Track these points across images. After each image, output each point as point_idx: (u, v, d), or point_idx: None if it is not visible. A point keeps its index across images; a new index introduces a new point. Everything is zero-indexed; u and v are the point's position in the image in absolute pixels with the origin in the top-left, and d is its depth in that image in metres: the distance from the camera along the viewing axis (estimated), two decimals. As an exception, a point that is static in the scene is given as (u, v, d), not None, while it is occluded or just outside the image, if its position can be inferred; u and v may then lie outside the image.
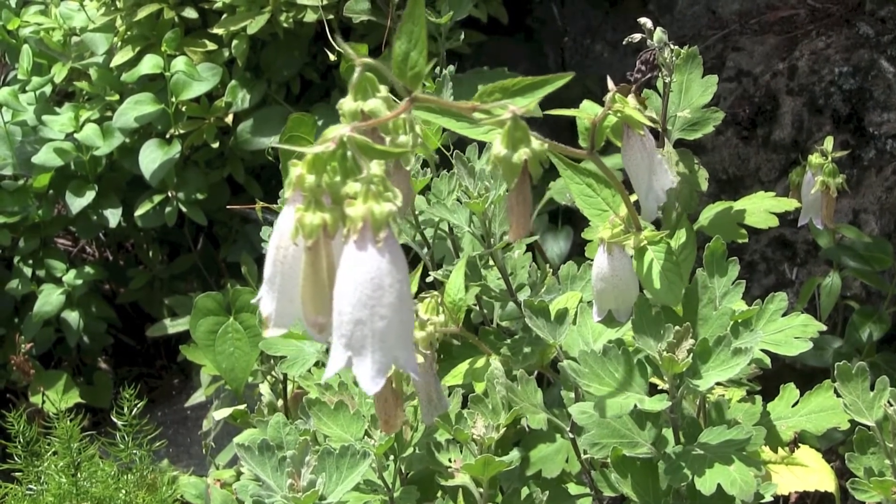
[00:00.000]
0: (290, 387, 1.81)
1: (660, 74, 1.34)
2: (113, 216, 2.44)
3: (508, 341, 1.42)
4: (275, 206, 1.55)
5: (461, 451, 1.32)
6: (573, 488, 1.40)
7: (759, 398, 1.28)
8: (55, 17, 2.52)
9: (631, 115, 1.14)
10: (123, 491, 1.66)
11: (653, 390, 1.14)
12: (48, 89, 2.48)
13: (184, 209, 2.42)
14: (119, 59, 2.38)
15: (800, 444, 1.49)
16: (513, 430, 1.39)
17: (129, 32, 2.40)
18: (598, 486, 1.27)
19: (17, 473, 1.73)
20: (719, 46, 2.22)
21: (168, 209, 2.41)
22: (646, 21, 1.32)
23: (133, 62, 2.37)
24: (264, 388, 1.83)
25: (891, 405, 1.14)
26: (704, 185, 1.35)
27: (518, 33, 2.64)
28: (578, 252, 2.24)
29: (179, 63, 2.29)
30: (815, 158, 1.68)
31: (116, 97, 2.43)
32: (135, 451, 1.74)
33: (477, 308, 1.61)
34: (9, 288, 2.45)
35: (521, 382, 1.27)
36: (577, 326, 1.23)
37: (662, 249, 1.13)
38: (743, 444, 1.11)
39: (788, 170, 1.92)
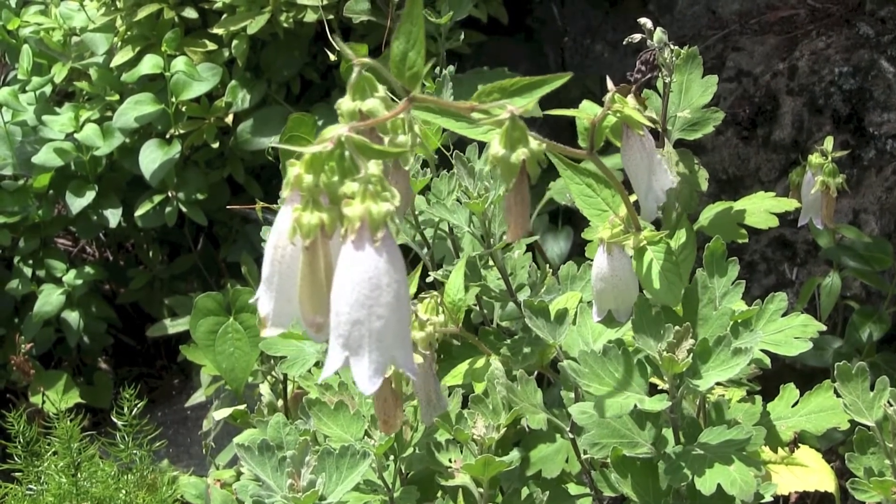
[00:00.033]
0: (290, 387, 1.81)
1: (660, 74, 1.34)
2: (113, 216, 2.44)
3: (508, 341, 1.42)
4: (275, 206, 1.55)
5: (461, 452, 1.32)
6: (573, 488, 1.40)
7: (759, 398, 1.28)
8: (55, 17, 2.52)
9: (630, 115, 1.14)
10: (123, 491, 1.66)
11: (653, 390, 1.14)
12: (48, 89, 2.48)
13: (184, 209, 2.42)
14: (119, 59, 2.38)
15: (800, 444, 1.49)
16: (513, 430, 1.39)
17: (129, 32, 2.40)
18: (598, 486, 1.27)
19: (17, 473, 1.73)
20: (719, 46, 2.22)
21: (168, 209, 2.41)
22: (646, 21, 1.32)
23: (133, 62, 2.37)
24: (264, 389, 1.83)
25: (891, 405, 1.14)
26: (704, 186, 1.35)
27: (518, 33, 2.64)
28: (579, 252, 2.24)
29: (179, 63, 2.30)
30: (815, 158, 1.68)
31: (116, 97, 2.43)
32: (135, 452, 1.74)
33: (477, 308, 1.61)
34: (9, 288, 2.45)
35: (520, 382, 1.27)
36: (576, 326, 1.23)
37: (662, 249, 1.13)
38: (743, 444, 1.11)
39: (788, 170, 1.92)
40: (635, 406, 1.09)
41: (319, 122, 2.18)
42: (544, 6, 2.62)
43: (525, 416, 1.27)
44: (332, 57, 2.18)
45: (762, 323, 1.21)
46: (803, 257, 2.04)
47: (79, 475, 1.65)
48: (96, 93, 2.45)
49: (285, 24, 2.29)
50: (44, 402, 2.30)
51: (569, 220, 2.31)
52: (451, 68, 1.64)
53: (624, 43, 1.35)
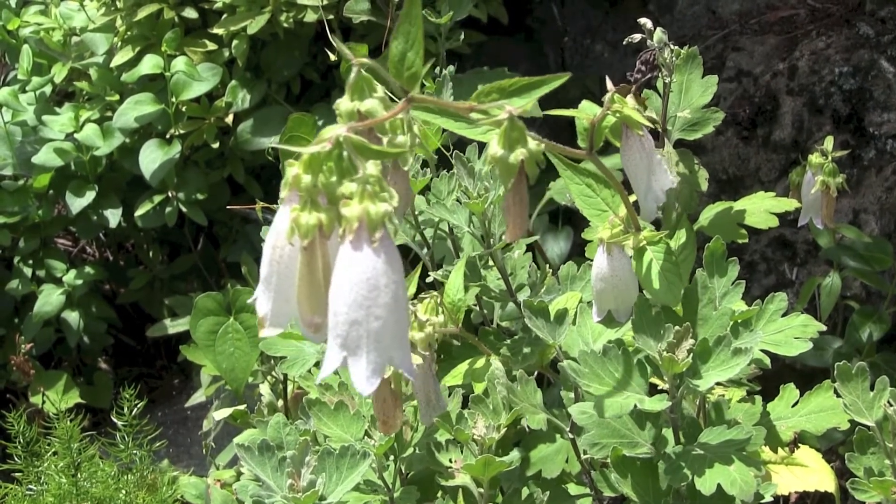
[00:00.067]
0: (290, 387, 1.81)
1: (660, 75, 1.34)
2: (113, 216, 2.44)
3: (508, 341, 1.42)
4: (275, 206, 1.54)
5: (461, 452, 1.32)
6: (573, 488, 1.40)
7: (759, 398, 1.28)
8: (55, 17, 2.52)
9: (629, 115, 1.14)
10: (124, 491, 1.66)
11: (653, 390, 1.14)
12: (48, 89, 2.48)
13: (184, 209, 2.42)
14: (119, 59, 2.38)
15: (800, 444, 1.49)
16: (513, 430, 1.39)
17: (129, 32, 2.40)
18: (598, 487, 1.27)
19: (17, 474, 1.73)
20: (719, 46, 2.22)
21: (168, 209, 2.41)
22: (646, 21, 1.32)
23: (133, 62, 2.37)
24: (264, 389, 1.83)
25: (891, 405, 1.14)
26: (704, 186, 1.35)
27: (518, 33, 2.64)
28: (579, 252, 2.24)
29: (179, 63, 2.30)
30: (815, 158, 1.68)
31: (116, 97, 2.43)
32: (135, 452, 1.74)
33: (477, 308, 1.61)
34: (9, 288, 2.45)
35: (520, 383, 1.27)
36: (576, 327, 1.23)
37: (661, 250, 1.13)
38: (743, 444, 1.11)
39: (788, 170, 1.92)
40: (635, 406, 1.09)
41: (319, 122, 2.18)
42: (544, 6, 2.62)
43: (525, 416, 1.27)
44: (333, 57, 2.18)
45: (762, 323, 1.21)
46: (803, 257, 2.04)
47: (79, 475, 1.65)
48: (96, 93, 2.45)
49: (285, 24, 2.29)
50: (44, 402, 2.30)
51: (569, 220, 2.31)
52: (451, 68, 1.64)
53: (624, 43, 1.35)
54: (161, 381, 2.74)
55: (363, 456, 1.19)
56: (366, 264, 0.74)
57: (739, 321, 1.17)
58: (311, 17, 2.28)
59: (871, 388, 1.16)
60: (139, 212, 2.41)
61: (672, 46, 1.32)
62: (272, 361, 1.83)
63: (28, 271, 2.47)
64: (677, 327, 1.10)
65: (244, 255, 2.40)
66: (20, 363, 2.17)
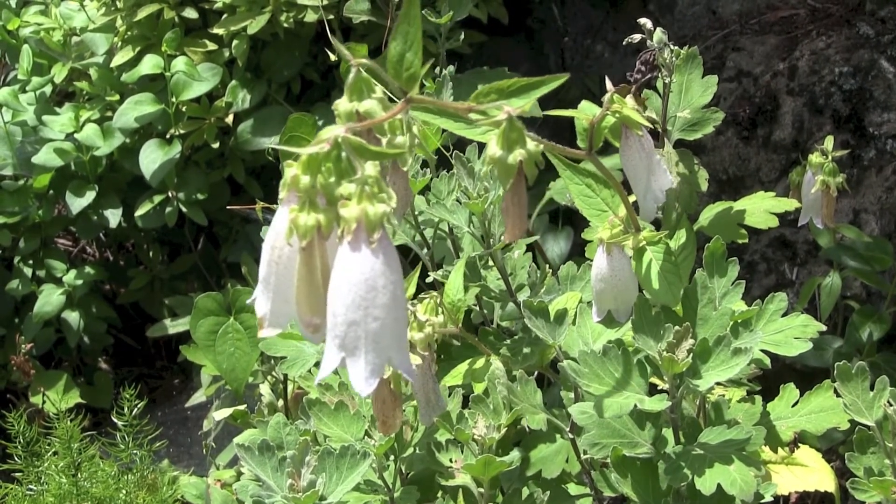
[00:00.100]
0: (290, 387, 1.81)
1: (660, 75, 1.34)
2: (113, 216, 2.44)
3: (508, 342, 1.42)
4: (275, 206, 1.54)
5: (462, 452, 1.32)
6: (573, 488, 1.40)
7: (759, 398, 1.28)
8: (55, 17, 2.52)
9: (629, 115, 1.14)
10: (124, 491, 1.66)
11: (653, 390, 1.14)
12: (48, 89, 2.48)
13: (184, 209, 2.42)
14: (119, 59, 2.38)
15: (800, 444, 1.49)
16: (513, 430, 1.39)
17: (129, 32, 2.40)
18: (598, 487, 1.27)
19: (17, 474, 1.73)
20: (719, 47, 2.22)
21: (168, 209, 2.41)
22: (646, 21, 1.32)
23: (133, 62, 2.37)
24: (264, 389, 1.83)
25: (891, 405, 1.14)
26: (704, 186, 1.36)
27: (518, 33, 2.64)
28: (579, 252, 2.24)
29: (180, 63, 2.30)
30: (815, 158, 1.68)
31: (117, 97, 2.43)
32: (135, 452, 1.74)
33: (477, 308, 1.61)
34: (9, 288, 2.45)
35: (520, 383, 1.27)
36: (576, 327, 1.23)
37: (661, 250, 1.13)
38: (743, 444, 1.11)
39: (789, 170, 1.92)
40: (635, 406, 1.09)
41: (320, 122, 2.18)
42: (544, 6, 2.62)
43: (525, 416, 1.27)
44: (333, 57, 2.18)
45: (762, 323, 1.21)
46: (803, 257, 2.04)
47: (79, 475, 1.65)
48: (96, 93, 2.45)
49: (286, 25, 2.29)
50: (44, 402, 2.30)
51: (569, 220, 2.30)
52: (451, 68, 1.64)
53: (624, 43, 1.35)
54: (161, 382, 2.74)
55: (363, 456, 1.19)
56: (364, 265, 0.74)
57: (739, 321, 1.17)
58: (311, 17, 2.28)
59: (871, 388, 1.16)
60: (139, 212, 2.41)
61: (672, 46, 1.32)
62: (272, 361, 1.83)
63: (28, 271, 2.47)
64: (677, 327, 1.10)
65: (244, 255, 2.40)
66: (20, 363, 2.17)
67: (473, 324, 1.65)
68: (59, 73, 2.46)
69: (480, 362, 1.37)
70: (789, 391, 1.30)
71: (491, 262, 1.49)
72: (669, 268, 1.13)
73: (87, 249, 2.92)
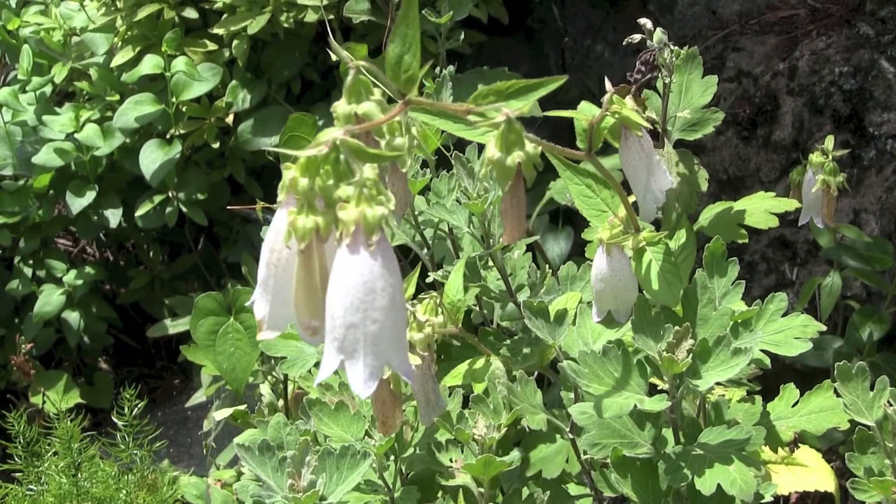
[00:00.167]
0: (290, 387, 1.81)
1: (660, 75, 1.34)
2: (113, 216, 2.44)
3: (508, 342, 1.42)
4: (275, 206, 1.54)
5: (462, 452, 1.32)
6: (573, 488, 1.40)
7: (758, 398, 1.28)
8: (55, 18, 2.52)
9: (628, 116, 1.14)
10: (124, 491, 1.66)
11: (652, 390, 1.14)
12: (48, 89, 2.48)
13: (184, 209, 2.42)
14: (119, 59, 2.38)
15: (800, 444, 1.49)
16: (513, 430, 1.39)
17: (129, 32, 2.40)
18: (598, 487, 1.27)
19: (17, 474, 1.73)
20: (719, 47, 2.22)
21: (168, 209, 2.41)
22: (646, 22, 1.32)
23: (133, 62, 2.37)
24: (265, 389, 1.83)
25: (891, 405, 1.14)
26: (704, 186, 1.36)
27: (518, 33, 2.64)
28: (579, 252, 2.24)
29: (180, 63, 2.30)
30: (815, 157, 1.68)
31: (117, 97, 2.43)
32: (135, 452, 1.74)
33: (476, 309, 1.61)
34: (9, 288, 2.45)
35: (520, 383, 1.27)
36: (576, 327, 1.23)
37: (661, 250, 1.13)
38: (743, 445, 1.11)
39: (789, 170, 1.92)
40: (635, 406, 1.09)
41: (320, 122, 2.19)
42: (544, 6, 2.62)
43: (525, 416, 1.27)
44: (333, 57, 2.17)
45: (762, 323, 1.21)
46: (803, 257, 2.04)
47: (79, 475, 1.65)
48: (96, 93, 2.45)
49: (286, 25, 2.29)
50: (44, 402, 2.30)
51: (569, 220, 2.30)
52: (451, 68, 1.64)
53: (624, 43, 1.35)
54: (161, 382, 2.74)
55: (363, 456, 1.19)
56: (362, 268, 0.74)
57: (739, 321, 1.17)
58: (311, 17, 2.28)
59: (872, 388, 1.16)
60: (139, 212, 2.41)
61: (672, 47, 1.32)
62: (272, 361, 1.83)
63: (28, 271, 2.47)
64: (677, 327, 1.10)
65: (244, 255, 2.40)
66: (20, 363, 2.17)
67: (473, 324, 1.65)
68: (59, 73, 2.46)
69: (480, 362, 1.37)
70: (789, 391, 1.30)
71: (491, 263, 1.49)
72: (669, 268, 1.13)
73: (88, 249, 2.92)
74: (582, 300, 1.31)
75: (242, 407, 1.86)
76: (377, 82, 0.88)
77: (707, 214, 1.43)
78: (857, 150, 1.99)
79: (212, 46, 2.39)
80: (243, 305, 2.01)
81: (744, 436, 1.12)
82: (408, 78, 0.84)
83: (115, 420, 1.75)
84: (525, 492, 1.33)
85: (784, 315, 1.22)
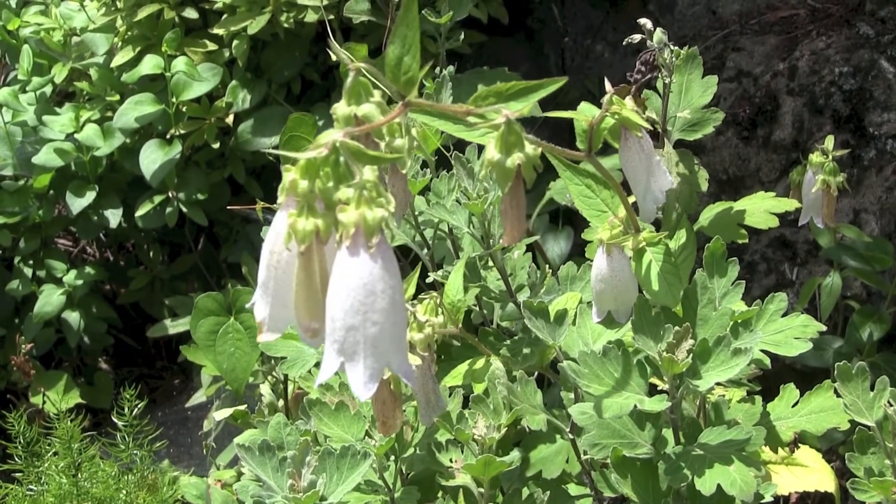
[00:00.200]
0: (290, 387, 1.81)
1: (660, 75, 1.34)
2: (113, 216, 2.44)
3: (508, 342, 1.42)
4: (275, 206, 1.54)
5: (462, 452, 1.32)
6: (573, 489, 1.40)
7: (759, 398, 1.28)
8: (55, 18, 2.52)
9: (628, 117, 1.14)
10: (124, 491, 1.66)
11: (652, 391, 1.14)
12: (48, 89, 2.48)
13: (184, 209, 2.42)
14: (119, 59, 2.38)
15: (800, 445, 1.49)
16: (513, 430, 1.39)
17: (129, 33, 2.40)
18: (598, 487, 1.27)
19: (17, 474, 1.73)
20: (719, 47, 2.22)
21: (169, 209, 2.41)
22: (646, 22, 1.32)
23: (133, 62, 2.37)
24: (265, 389, 1.83)
25: (891, 405, 1.14)
26: (704, 186, 1.36)
27: (518, 33, 2.64)
28: (579, 252, 2.24)
29: (180, 63, 2.30)
30: (815, 157, 1.68)
31: (117, 97, 2.43)
32: (135, 452, 1.74)
33: (477, 309, 1.61)
34: (9, 288, 2.45)
35: (520, 383, 1.27)
36: (576, 327, 1.23)
37: (661, 251, 1.13)
38: (743, 445, 1.11)
39: (789, 170, 1.92)
40: (635, 406, 1.09)
41: (320, 123, 2.19)
42: (544, 6, 2.62)
43: (525, 416, 1.27)
44: (333, 57, 2.17)
45: (762, 323, 1.21)
46: (804, 257, 2.04)
47: (79, 475, 1.65)
48: (97, 93, 2.45)
49: (286, 25, 2.29)
50: (44, 402, 2.30)
51: (569, 220, 2.30)
52: (451, 68, 1.64)
53: (624, 43, 1.35)
54: (161, 382, 2.74)
55: (364, 456, 1.19)
56: (362, 270, 0.74)
57: (739, 321, 1.17)
58: (311, 17, 2.28)
59: (872, 388, 1.16)
60: (140, 212, 2.41)
61: (672, 47, 1.32)
62: (272, 361, 1.83)
63: (28, 271, 2.47)
64: (677, 328, 1.10)
65: (245, 256, 2.40)
66: (20, 363, 2.17)
67: (473, 324, 1.65)
68: (60, 73, 2.46)
69: (480, 363, 1.37)
70: (789, 391, 1.30)
71: (491, 263, 1.49)
72: (669, 269, 1.13)
73: (88, 249, 2.92)
74: (582, 300, 1.31)
75: (242, 407, 1.87)
76: (377, 82, 0.88)
77: (707, 214, 1.43)
78: (857, 150, 1.99)
79: (212, 46, 2.39)
80: (243, 305, 2.01)
81: (744, 436, 1.12)
82: (407, 79, 0.84)
83: (115, 420, 1.75)
84: (525, 492, 1.33)
85: (784, 315, 1.22)
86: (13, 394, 2.54)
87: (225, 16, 2.35)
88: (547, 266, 1.60)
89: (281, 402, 1.80)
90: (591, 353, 1.12)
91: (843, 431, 1.26)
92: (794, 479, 1.51)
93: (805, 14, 2.21)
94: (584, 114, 1.19)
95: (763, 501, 1.15)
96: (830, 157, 1.67)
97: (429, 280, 1.49)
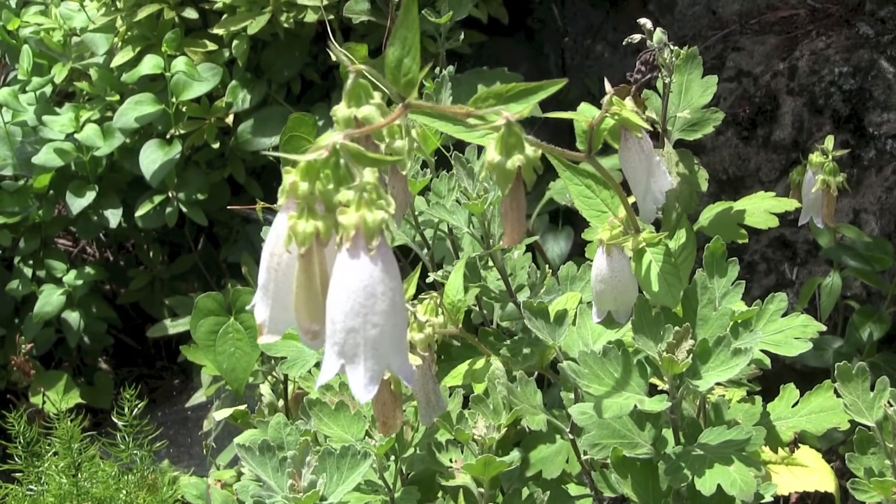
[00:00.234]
0: (290, 387, 1.81)
1: (660, 75, 1.34)
2: (113, 216, 2.44)
3: (508, 342, 1.42)
4: (275, 206, 1.54)
5: (462, 452, 1.32)
6: (573, 489, 1.40)
7: (759, 398, 1.29)
8: (55, 18, 2.52)
9: (628, 117, 1.14)
10: (124, 491, 1.66)
11: (653, 391, 1.14)
12: (48, 90, 2.48)
13: (184, 209, 2.42)
14: (119, 59, 2.38)
15: (800, 445, 1.49)
16: (513, 430, 1.39)
17: (129, 33, 2.40)
18: (598, 487, 1.27)
19: (17, 474, 1.73)
20: (719, 47, 2.22)
21: (168, 209, 2.41)
22: (646, 22, 1.32)
23: (133, 62, 2.37)
24: (265, 389, 1.83)
25: (891, 405, 1.14)
26: (704, 186, 1.36)
27: (518, 33, 2.64)
28: (579, 252, 2.24)
29: (180, 63, 2.30)
30: (815, 157, 1.68)
31: (117, 97, 2.43)
32: (135, 452, 1.74)
33: (477, 309, 1.61)
34: (9, 289, 2.45)
35: (520, 384, 1.27)
36: (576, 327, 1.23)
37: (661, 251, 1.13)
38: (743, 445, 1.11)
39: (789, 170, 1.92)
40: (635, 407, 1.09)
41: (320, 123, 2.19)
42: (544, 6, 2.62)
43: (525, 416, 1.27)
44: (333, 57, 2.18)
45: (762, 323, 1.21)
46: (803, 257, 2.04)
47: (79, 475, 1.65)
48: (96, 93, 2.45)
49: (286, 25, 2.29)
50: (44, 402, 2.30)
51: (569, 220, 2.30)
52: (451, 68, 1.64)
53: (624, 43, 1.35)
54: (161, 382, 2.74)
55: (364, 456, 1.19)
56: (363, 272, 0.74)
57: (739, 321, 1.17)
58: (311, 17, 2.29)
59: (872, 389, 1.16)
60: (139, 212, 2.41)
61: (672, 47, 1.32)
62: (272, 361, 1.83)
63: (28, 272, 2.47)
64: (677, 328, 1.10)
65: (244, 256, 2.40)
66: (20, 363, 2.17)
67: (473, 324, 1.65)
68: (59, 73, 2.46)
69: (480, 363, 1.37)
70: (789, 391, 1.30)
71: (491, 263, 1.49)
72: (669, 269, 1.13)
73: (87, 249, 2.92)
74: (582, 300, 1.31)
75: (242, 407, 1.86)
76: (377, 83, 0.88)
77: (707, 214, 1.43)
78: (856, 150, 1.99)
79: (212, 46, 2.39)
80: (243, 305, 2.01)
81: (744, 436, 1.12)
82: (407, 81, 0.84)
83: (115, 420, 1.75)
84: (525, 492, 1.33)
85: (784, 315, 1.22)
86: (13, 394, 2.54)
87: (225, 16, 2.35)
88: (547, 266, 1.60)
89: (281, 402, 1.80)
90: (591, 353, 1.12)
91: (843, 431, 1.26)
92: (794, 479, 1.51)
93: (805, 14, 2.21)
94: (584, 114, 1.19)
95: (763, 501, 1.15)
96: (830, 157, 1.67)
97: (429, 280, 1.49)
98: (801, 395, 1.29)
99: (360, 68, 0.85)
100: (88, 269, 2.48)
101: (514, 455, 1.31)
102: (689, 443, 1.15)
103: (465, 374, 1.37)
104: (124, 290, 2.70)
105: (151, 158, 2.33)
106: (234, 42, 2.32)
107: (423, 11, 2.10)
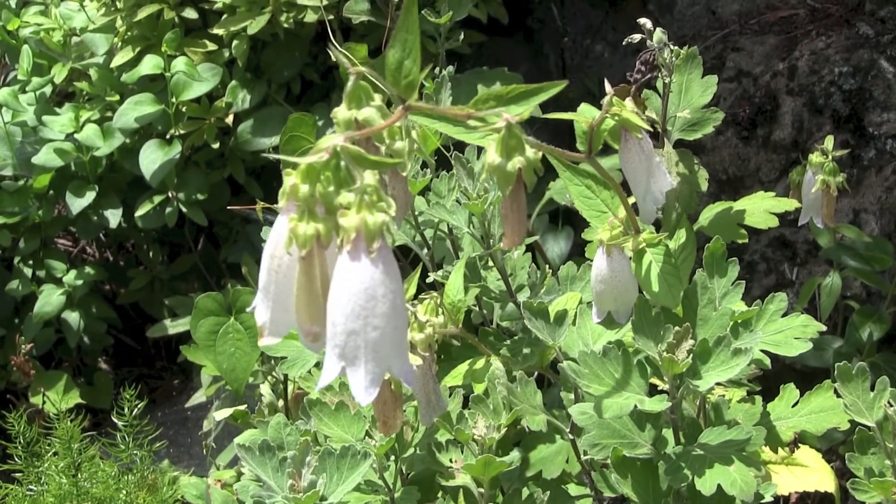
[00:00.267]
0: (290, 387, 1.81)
1: (660, 75, 1.34)
2: (113, 217, 2.44)
3: (508, 342, 1.42)
4: (275, 206, 1.54)
5: (462, 452, 1.32)
6: (573, 489, 1.40)
7: (759, 398, 1.29)
8: (55, 18, 2.52)
9: (628, 118, 1.14)
10: (124, 491, 1.66)
11: (653, 391, 1.14)
12: (48, 90, 2.48)
13: (184, 210, 2.42)
14: (119, 59, 2.38)
15: (800, 445, 1.49)
16: (513, 430, 1.39)
17: (129, 33, 2.40)
18: (598, 487, 1.27)
19: (17, 474, 1.73)
20: (719, 47, 2.22)
21: (168, 210, 2.41)
22: (645, 21, 1.32)
23: (133, 63, 2.37)
24: (265, 389, 1.83)
25: (891, 405, 1.14)
26: (704, 186, 1.36)
27: (518, 33, 2.64)
28: (579, 252, 2.24)
29: (180, 63, 2.30)
30: (815, 157, 1.68)
31: (117, 98, 2.43)
32: (135, 452, 1.74)
33: (477, 309, 1.61)
34: (9, 289, 2.45)
35: (520, 384, 1.27)
36: (576, 327, 1.23)
37: (661, 252, 1.13)
38: (743, 445, 1.11)
39: (788, 170, 1.92)
40: (635, 407, 1.09)
41: (320, 123, 2.19)
42: (544, 6, 2.62)
43: (525, 416, 1.27)
44: (333, 57, 2.18)
45: (762, 323, 1.21)
46: (803, 257, 2.04)
47: (79, 476, 1.65)
48: (96, 93, 2.45)
49: (286, 25, 2.29)
50: (44, 402, 2.30)
51: (569, 220, 2.31)
52: (451, 69, 1.64)
53: (624, 43, 1.35)
54: (161, 382, 2.74)
55: (364, 456, 1.19)
56: (363, 274, 0.74)
57: (739, 321, 1.17)
58: (311, 17, 2.29)
59: (872, 389, 1.16)
60: (139, 212, 2.41)
61: (672, 46, 1.32)
62: (272, 361, 1.83)
63: (28, 272, 2.47)
64: (677, 328, 1.11)
65: (245, 256, 2.40)
66: (20, 363, 2.17)
67: (473, 324, 1.65)
68: (59, 73, 2.46)
69: (480, 363, 1.37)
70: (789, 391, 1.30)
71: (491, 263, 1.49)
72: (669, 269, 1.13)
73: (87, 249, 2.92)
74: (582, 300, 1.31)
75: (242, 407, 1.87)
76: (377, 83, 0.88)
77: (707, 214, 1.43)
78: (856, 150, 1.99)
79: (212, 47, 2.39)
80: (243, 305, 2.01)
81: (744, 436, 1.12)
82: (408, 83, 0.84)
83: (115, 420, 1.75)
84: (525, 492, 1.33)
85: (784, 315, 1.22)
86: (13, 394, 2.54)
87: (225, 16, 2.35)
88: (547, 266, 1.60)
89: (281, 402, 1.80)
90: (591, 353, 1.12)
91: (843, 431, 1.26)
92: (794, 479, 1.51)
93: (805, 14, 2.21)
94: (584, 115, 1.19)
95: (763, 501, 1.15)
96: (830, 157, 1.67)
97: (429, 280, 1.49)
98: (801, 395, 1.29)
99: (361, 70, 0.85)
100: (88, 269, 2.48)
101: (514, 455, 1.31)
102: (690, 443, 1.15)
103: (465, 374, 1.37)
104: (124, 291, 2.70)
105: (151, 158, 2.33)
106: (234, 42, 2.33)
107: (422, 11, 2.11)
